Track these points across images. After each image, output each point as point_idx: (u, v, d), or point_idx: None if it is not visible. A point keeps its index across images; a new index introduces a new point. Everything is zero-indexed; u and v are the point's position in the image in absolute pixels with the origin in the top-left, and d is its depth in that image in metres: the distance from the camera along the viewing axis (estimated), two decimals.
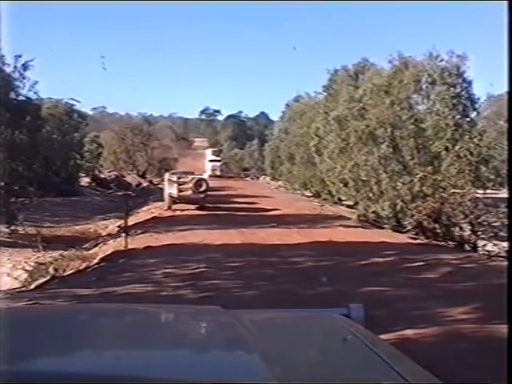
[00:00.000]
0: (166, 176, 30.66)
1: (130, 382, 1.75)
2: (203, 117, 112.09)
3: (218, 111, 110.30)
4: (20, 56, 17.67)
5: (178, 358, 2.13)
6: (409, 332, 7.97)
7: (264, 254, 16.25)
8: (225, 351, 2.26)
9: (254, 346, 2.16)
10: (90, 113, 68.32)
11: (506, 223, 20.32)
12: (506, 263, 16.51)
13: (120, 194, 38.45)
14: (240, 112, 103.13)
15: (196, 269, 14.10)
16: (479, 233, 19.47)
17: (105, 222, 27.45)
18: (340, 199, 30.32)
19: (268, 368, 1.88)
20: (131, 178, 55.52)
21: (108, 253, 17.55)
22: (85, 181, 48.65)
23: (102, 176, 52.58)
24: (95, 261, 16.61)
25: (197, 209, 28.72)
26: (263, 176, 62.09)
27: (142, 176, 59.88)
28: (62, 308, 4.50)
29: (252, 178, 66.21)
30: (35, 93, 18.87)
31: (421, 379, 2.03)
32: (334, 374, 2.02)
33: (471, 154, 21.22)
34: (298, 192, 41.42)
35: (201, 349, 2.30)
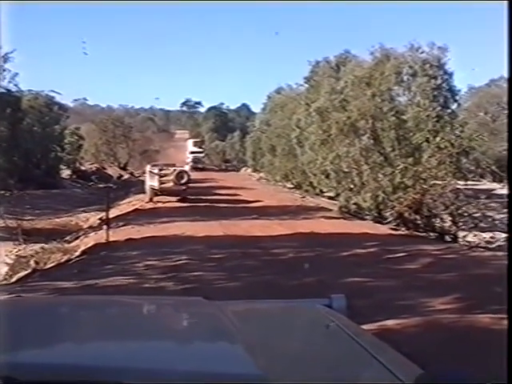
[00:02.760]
0: (148, 168, 30.61)
1: (114, 373, 1.76)
2: (184, 109, 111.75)
3: (199, 103, 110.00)
4: None
5: (162, 349, 2.14)
6: (390, 322, 8.00)
7: (246, 246, 16.27)
8: (208, 342, 2.26)
9: (238, 336, 2.16)
10: (71, 105, 67.86)
11: (487, 214, 20.54)
12: (486, 253, 16.69)
13: (101, 186, 38.29)
14: (221, 104, 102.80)
15: (178, 261, 14.10)
16: (460, 224, 19.62)
17: (86, 214, 27.34)
18: (321, 191, 30.33)
19: (252, 358, 1.89)
20: (112, 171, 55.36)
21: (89, 245, 17.49)
22: (66, 173, 48.41)
23: (83, 168, 52.38)
24: (77, 253, 16.53)
25: (178, 201, 28.70)
26: (244, 168, 62.00)
27: (123, 168, 59.70)
28: (45, 300, 4.47)
29: (234, 170, 66.12)
30: (15, 85, 18.78)
31: (402, 368, 2.04)
32: (317, 364, 2.04)
33: (452, 145, 21.30)
34: (280, 184, 41.41)
35: (184, 339, 2.31)
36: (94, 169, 52.67)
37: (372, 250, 15.96)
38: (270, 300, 3.69)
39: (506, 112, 31.34)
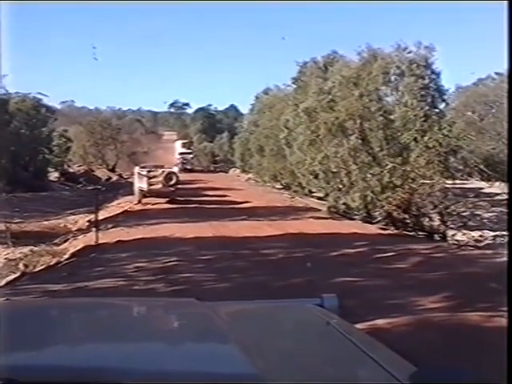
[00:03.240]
0: (136, 170, 30.57)
1: (110, 374, 1.76)
2: (172, 110, 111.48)
3: (187, 104, 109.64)
4: None
5: (157, 350, 2.14)
6: (380, 321, 8.02)
7: (235, 247, 16.29)
8: (203, 343, 2.27)
9: (232, 336, 2.17)
10: (59, 107, 67.44)
11: (475, 213, 20.64)
12: (475, 252, 16.78)
13: (89, 188, 38.15)
14: (209, 105, 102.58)
15: (168, 262, 14.10)
16: (448, 223, 19.70)
17: (75, 216, 27.23)
18: (310, 191, 30.36)
19: (247, 358, 1.90)
20: (101, 173, 55.20)
21: (79, 248, 17.43)
22: (54, 176, 48.22)
23: (71, 170, 52.24)
24: (66, 256, 16.48)
25: (167, 202, 28.67)
26: (233, 169, 61.96)
27: (112, 170, 59.54)
28: (36, 303, 4.46)
29: (222, 171, 66.04)
30: (2, 87, 18.67)
31: (396, 366, 2.06)
32: (312, 363, 2.05)
33: (440, 144, 21.38)
34: (268, 184, 41.42)
35: (179, 341, 2.32)
36: (83, 171, 52.52)
37: (361, 249, 16.01)
38: (262, 300, 3.70)
39: (493, 111, 31.56)
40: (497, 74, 37.38)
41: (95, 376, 1.75)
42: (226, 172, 64.08)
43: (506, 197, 29.19)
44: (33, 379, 1.73)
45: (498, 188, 30.15)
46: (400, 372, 1.90)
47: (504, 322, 8.36)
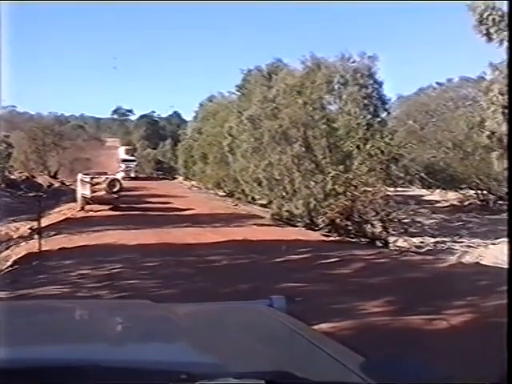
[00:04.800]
0: (79, 177, 30.28)
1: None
2: (115, 116, 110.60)
3: (130, 111, 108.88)
4: None
5: (116, 349, 2.16)
6: (325, 326, 8.10)
7: (180, 254, 16.25)
8: (160, 339, 2.29)
9: (189, 333, 2.21)
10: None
11: (416, 219, 21.01)
12: (416, 257, 17.07)
13: (31, 195, 37.59)
14: (153, 112, 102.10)
15: (112, 269, 13.99)
16: (390, 229, 19.99)
17: (16, 224, 26.79)
18: (254, 198, 30.48)
19: (205, 352, 1.94)
20: (42, 179, 54.32)
21: (21, 255, 17.18)
22: None
23: (13, 177, 51.30)
24: (8, 263, 16.23)
25: (110, 209, 28.45)
26: (177, 176, 61.74)
27: (54, 177, 58.68)
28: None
29: (166, 178, 65.69)
30: None
31: (347, 357, 2.13)
32: (268, 355, 2.09)
33: (382, 152, 21.73)
34: (212, 192, 41.46)
35: (135, 340, 2.33)
36: (24, 178, 51.63)
37: (305, 256, 16.12)
38: (214, 302, 3.74)
39: (433, 120, 32.14)
40: (438, 83, 38.20)
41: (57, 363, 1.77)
42: (170, 179, 63.78)
43: (446, 204, 29.80)
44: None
45: (439, 195, 30.74)
46: (351, 363, 1.96)
47: (444, 324, 8.58)
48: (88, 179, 28.81)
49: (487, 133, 18.40)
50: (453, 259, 17.65)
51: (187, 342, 2.19)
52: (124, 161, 63.73)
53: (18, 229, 25.00)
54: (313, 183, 22.34)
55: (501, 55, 15.31)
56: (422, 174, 29.56)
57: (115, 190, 28.72)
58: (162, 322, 2.53)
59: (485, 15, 15.60)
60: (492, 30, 15.02)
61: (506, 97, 15.35)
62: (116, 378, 1.70)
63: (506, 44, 12.13)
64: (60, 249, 17.48)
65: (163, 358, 1.92)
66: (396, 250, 18.65)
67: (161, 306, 2.77)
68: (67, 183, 52.33)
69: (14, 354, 1.96)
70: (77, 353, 2.00)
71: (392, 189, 21.99)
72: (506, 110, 15.33)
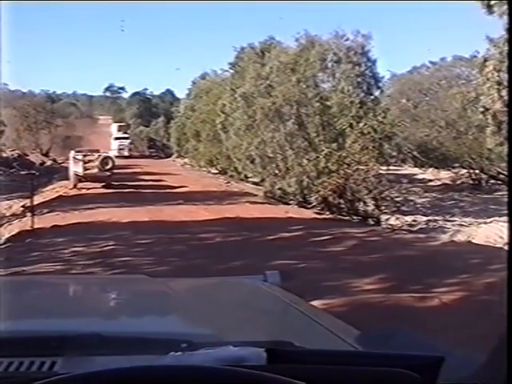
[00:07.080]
0: (72, 154, 30.22)
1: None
2: (108, 94, 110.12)
3: (122, 88, 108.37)
4: None
5: (115, 321, 2.18)
6: (317, 303, 8.13)
7: (173, 231, 16.27)
8: (156, 315, 2.31)
9: (187, 307, 2.23)
10: None
11: (408, 198, 21.08)
12: (408, 236, 17.15)
13: (23, 173, 37.49)
14: (145, 89, 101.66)
15: (105, 247, 14.04)
16: (382, 207, 20.04)
17: (8, 202, 26.75)
18: (246, 176, 30.46)
19: (205, 327, 1.96)
20: (34, 157, 54.17)
21: (14, 233, 17.19)
22: None
23: (4, 155, 51.11)
24: (1, 241, 16.24)
25: (103, 187, 28.46)
26: (170, 154, 61.52)
27: (46, 155, 58.50)
28: None
29: (159, 156, 65.49)
30: None
31: (342, 329, 2.15)
32: (264, 327, 2.11)
33: (375, 131, 21.70)
34: (204, 169, 41.40)
35: (134, 313, 2.35)
36: (16, 155, 51.43)
37: (297, 233, 16.16)
38: (208, 277, 3.77)
39: (427, 99, 32.10)
40: (431, 62, 38.07)
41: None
42: (163, 157, 63.57)
43: (438, 183, 29.87)
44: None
45: (431, 174, 30.78)
46: (346, 335, 1.98)
47: (437, 301, 8.63)
48: (80, 157, 28.77)
49: (481, 109, 18.35)
50: (445, 237, 17.70)
51: (185, 314, 2.22)
52: (117, 138, 63.33)
53: (10, 207, 24.96)
54: (306, 161, 22.32)
55: (499, 31, 15.17)
56: (415, 153, 29.56)
57: (108, 167, 28.70)
58: (159, 296, 2.56)
59: None
60: (493, 2, 14.86)
61: (501, 73, 15.30)
62: (117, 347, 1.71)
63: (505, 18, 12.01)
64: (53, 226, 17.50)
65: (163, 329, 1.94)
66: (388, 228, 18.71)
67: (157, 281, 2.81)
68: (59, 161, 52.20)
69: (13, 325, 1.98)
70: (76, 324, 2.02)
71: (385, 167, 22.00)
72: (501, 87, 15.30)
